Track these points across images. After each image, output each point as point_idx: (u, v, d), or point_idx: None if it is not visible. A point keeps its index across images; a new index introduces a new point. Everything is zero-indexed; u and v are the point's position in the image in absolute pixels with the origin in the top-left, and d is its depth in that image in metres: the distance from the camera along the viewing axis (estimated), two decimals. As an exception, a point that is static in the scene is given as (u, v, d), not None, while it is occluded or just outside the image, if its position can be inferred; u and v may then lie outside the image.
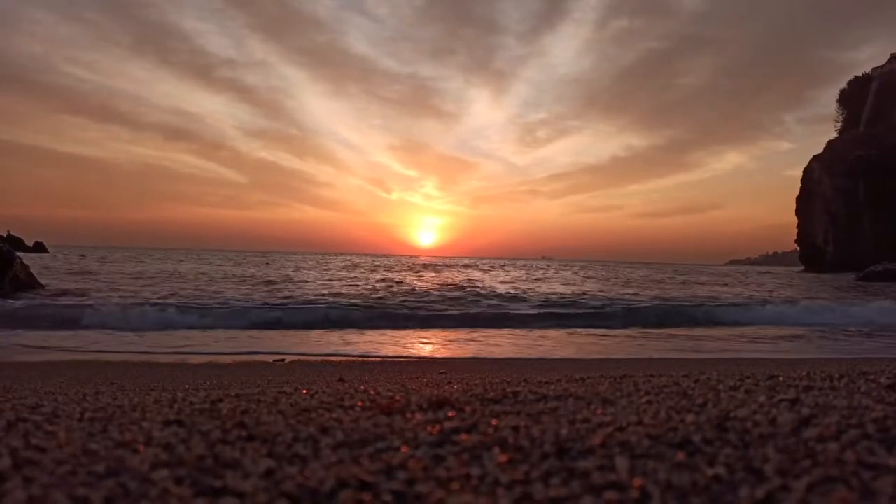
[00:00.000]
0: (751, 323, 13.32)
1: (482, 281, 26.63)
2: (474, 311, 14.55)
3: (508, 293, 19.30)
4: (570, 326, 12.49)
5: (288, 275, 28.82)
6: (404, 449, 1.11)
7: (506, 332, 11.50)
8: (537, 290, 21.71)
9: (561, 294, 19.64)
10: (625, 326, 12.54)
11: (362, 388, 2.30)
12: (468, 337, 10.69)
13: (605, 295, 19.53)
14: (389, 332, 11.11)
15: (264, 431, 1.26)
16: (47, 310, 12.78)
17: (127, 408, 1.66)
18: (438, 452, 1.08)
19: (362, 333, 10.97)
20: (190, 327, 11.20)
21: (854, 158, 67.48)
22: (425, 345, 10.03)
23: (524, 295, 18.71)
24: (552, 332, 11.53)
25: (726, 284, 29.88)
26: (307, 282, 24.20)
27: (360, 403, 1.61)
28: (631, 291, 22.15)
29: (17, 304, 13.52)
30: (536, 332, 11.45)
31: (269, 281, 23.37)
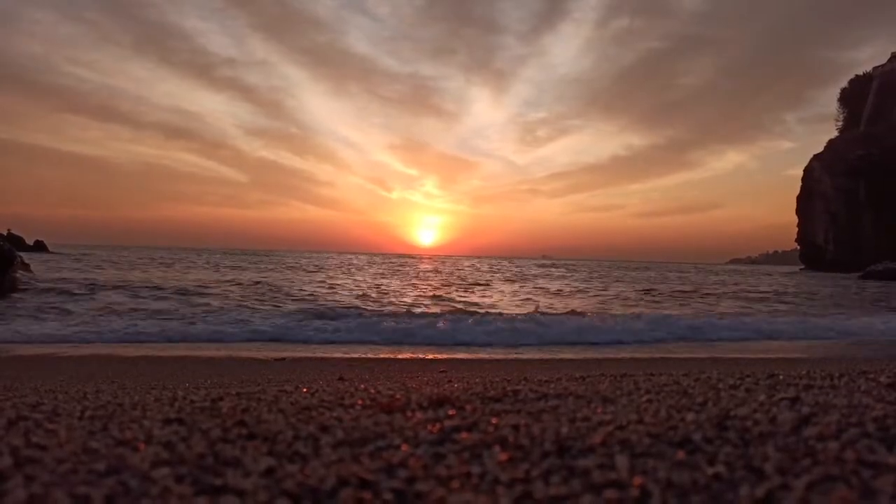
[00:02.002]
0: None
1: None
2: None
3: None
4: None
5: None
6: (405, 447, 1.11)
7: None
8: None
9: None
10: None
11: (362, 386, 2.30)
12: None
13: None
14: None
15: (265, 430, 1.26)
16: (48, 308, 12.79)
17: (127, 406, 1.66)
18: (439, 451, 1.08)
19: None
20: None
21: (855, 158, 67.47)
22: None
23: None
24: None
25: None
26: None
27: (360, 402, 1.61)
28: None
29: (17, 302, 13.54)
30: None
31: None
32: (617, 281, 33.49)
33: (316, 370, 5.98)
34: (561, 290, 24.24)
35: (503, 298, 20.07)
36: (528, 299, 19.90)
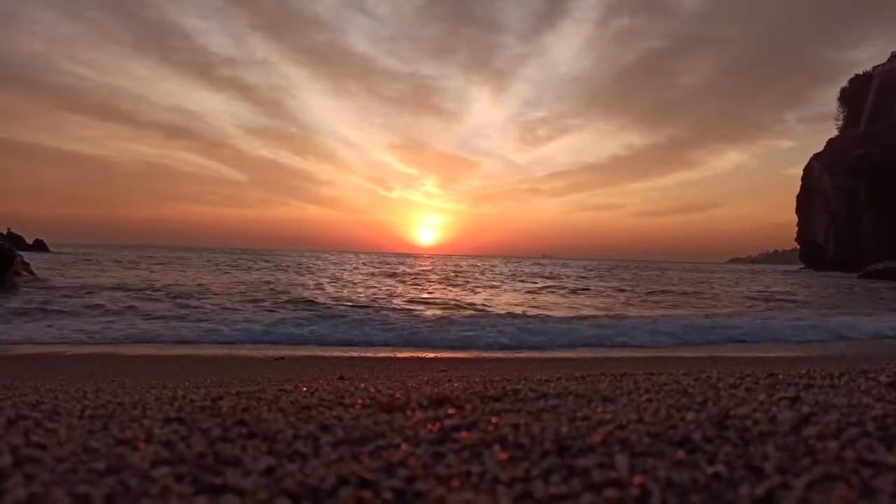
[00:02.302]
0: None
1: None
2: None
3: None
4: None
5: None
6: (404, 446, 1.11)
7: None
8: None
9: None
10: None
11: (362, 385, 2.30)
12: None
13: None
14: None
15: (265, 429, 1.26)
16: (47, 308, 12.78)
17: (127, 405, 1.66)
18: (439, 450, 1.08)
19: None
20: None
21: (855, 157, 67.45)
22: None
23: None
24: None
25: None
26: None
27: (360, 401, 1.61)
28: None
29: (16, 301, 13.54)
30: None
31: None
32: (620, 280, 33.38)
33: (316, 369, 5.98)
34: (562, 291, 24.22)
35: (504, 299, 20.04)
36: (532, 298, 19.88)
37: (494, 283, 28.38)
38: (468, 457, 1.04)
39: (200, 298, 15.98)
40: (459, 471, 0.96)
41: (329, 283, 24.29)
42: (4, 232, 35.31)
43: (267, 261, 47.30)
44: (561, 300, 19.99)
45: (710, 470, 0.93)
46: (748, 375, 2.00)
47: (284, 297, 16.92)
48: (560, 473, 0.94)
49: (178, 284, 19.93)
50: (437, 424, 1.27)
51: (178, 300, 15.41)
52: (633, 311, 15.91)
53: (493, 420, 1.31)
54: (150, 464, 0.99)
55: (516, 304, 17.72)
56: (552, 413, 1.39)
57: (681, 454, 1.02)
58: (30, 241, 47.73)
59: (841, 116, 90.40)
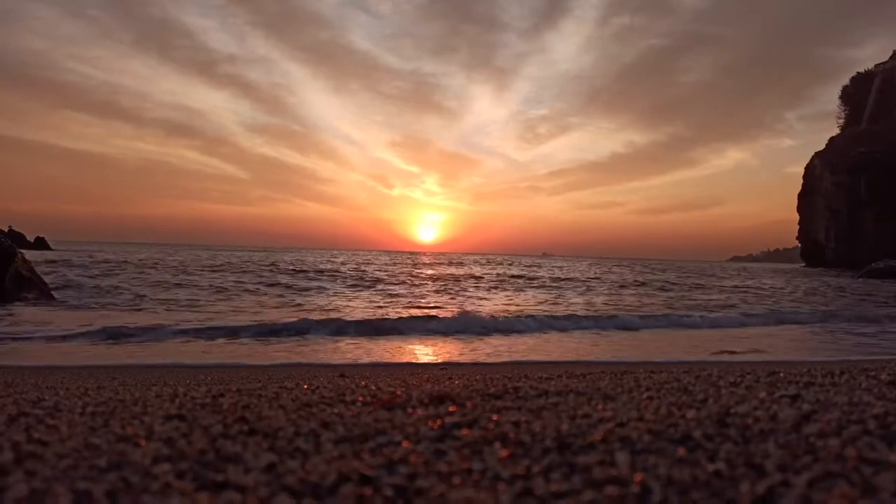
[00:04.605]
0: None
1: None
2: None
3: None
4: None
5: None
6: (405, 443, 1.11)
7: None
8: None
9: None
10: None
11: (363, 383, 2.30)
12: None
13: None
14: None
15: (266, 426, 1.26)
16: (47, 306, 12.79)
17: (128, 402, 1.67)
18: (439, 447, 1.08)
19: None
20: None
21: (856, 155, 67.34)
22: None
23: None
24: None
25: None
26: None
27: (361, 398, 1.61)
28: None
29: (16, 299, 13.55)
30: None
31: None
32: (637, 284, 32.58)
33: (316, 367, 5.99)
34: (566, 291, 23.93)
35: (516, 301, 19.98)
36: (546, 301, 19.65)
37: (498, 281, 28.14)
38: (469, 454, 1.04)
39: (201, 299, 15.86)
40: (460, 468, 0.96)
41: (335, 284, 23.91)
42: (6, 229, 35.36)
43: (269, 261, 46.45)
44: (568, 303, 19.64)
45: (710, 467, 0.93)
46: (749, 373, 2.00)
47: (289, 298, 16.82)
48: (561, 471, 0.94)
49: (178, 285, 19.78)
50: (438, 421, 1.27)
51: (180, 303, 15.29)
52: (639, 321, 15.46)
53: (494, 417, 1.31)
54: (152, 460, 0.99)
55: (530, 308, 17.48)
56: (553, 410, 1.39)
57: (682, 452, 1.02)
58: (31, 238, 47.80)
59: (842, 115, 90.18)
